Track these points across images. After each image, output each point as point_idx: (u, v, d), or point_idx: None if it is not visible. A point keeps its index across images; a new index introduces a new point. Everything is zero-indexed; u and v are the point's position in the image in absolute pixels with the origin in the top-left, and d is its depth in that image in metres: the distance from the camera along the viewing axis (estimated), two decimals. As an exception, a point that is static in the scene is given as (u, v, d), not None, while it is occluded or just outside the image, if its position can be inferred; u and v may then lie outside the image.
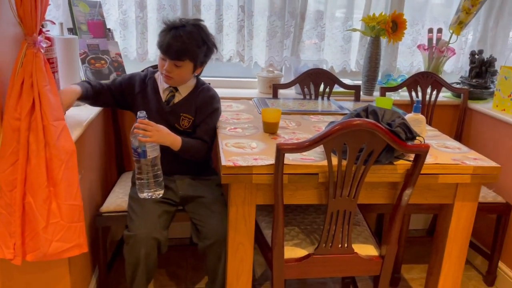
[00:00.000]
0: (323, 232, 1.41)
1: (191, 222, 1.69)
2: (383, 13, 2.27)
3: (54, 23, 1.64)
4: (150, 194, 1.61)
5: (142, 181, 1.59)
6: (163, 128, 1.57)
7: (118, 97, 1.75)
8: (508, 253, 2.07)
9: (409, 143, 1.33)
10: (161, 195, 1.62)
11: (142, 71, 1.84)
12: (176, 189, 1.72)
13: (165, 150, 1.60)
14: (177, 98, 1.72)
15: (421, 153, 1.31)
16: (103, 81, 1.82)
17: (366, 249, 1.51)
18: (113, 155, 2.12)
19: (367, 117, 1.40)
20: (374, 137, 1.26)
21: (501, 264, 2.11)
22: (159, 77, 1.77)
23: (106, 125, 2.08)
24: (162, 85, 1.74)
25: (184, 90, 1.73)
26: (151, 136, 1.51)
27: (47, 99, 1.33)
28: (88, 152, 1.76)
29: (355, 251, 1.47)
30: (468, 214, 1.50)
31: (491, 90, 2.36)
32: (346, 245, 1.45)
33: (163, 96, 1.72)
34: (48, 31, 1.59)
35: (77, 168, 1.39)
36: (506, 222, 2.02)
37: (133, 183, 1.77)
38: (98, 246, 1.80)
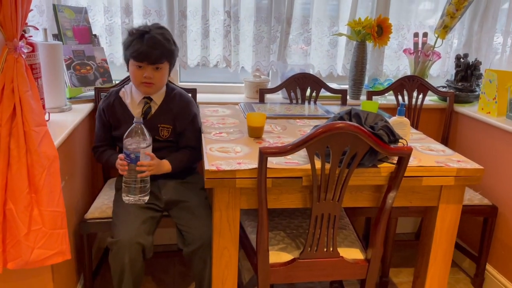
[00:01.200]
0: (308, 236, 1.41)
1: (176, 227, 1.68)
2: (368, 18, 2.28)
3: (37, 29, 1.63)
4: (135, 199, 1.60)
5: (129, 185, 1.59)
6: (159, 163, 1.64)
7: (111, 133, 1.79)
8: (495, 255, 2.08)
9: (392, 145, 1.34)
10: (146, 201, 1.61)
11: (107, 95, 1.80)
12: (160, 194, 1.71)
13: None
14: (153, 108, 1.73)
15: (404, 156, 1.31)
16: (98, 142, 1.83)
17: (352, 253, 1.51)
18: (99, 161, 2.10)
19: (350, 120, 1.40)
20: (357, 140, 1.26)
21: (488, 267, 2.11)
22: (124, 93, 1.76)
23: (92, 131, 2.06)
24: (134, 100, 1.74)
25: (158, 98, 1.74)
26: (150, 173, 1.59)
27: (28, 105, 1.32)
28: (72, 158, 1.74)
29: (341, 254, 1.47)
30: (453, 216, 1.51)
31: (477, 93, 2.38)
32: (331, 249, 1.45)
33: (139, 109, 1.73)
34: (31, 36, 1.57)
35: (59, 174, 1.38)
36: (493, 224, 2.03)
37: (117, 189, 1.75)
38: (83, 254, 1.78)
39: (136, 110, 1.73)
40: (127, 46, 1.66)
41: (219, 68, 2.35)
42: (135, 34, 1.64)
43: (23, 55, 1.35)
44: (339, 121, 1.28)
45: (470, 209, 1.98)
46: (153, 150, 1.62)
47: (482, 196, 2.06)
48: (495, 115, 2.11)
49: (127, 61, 1.69)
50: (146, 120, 1.71)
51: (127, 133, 1.55)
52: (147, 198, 1.63)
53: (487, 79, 2.14)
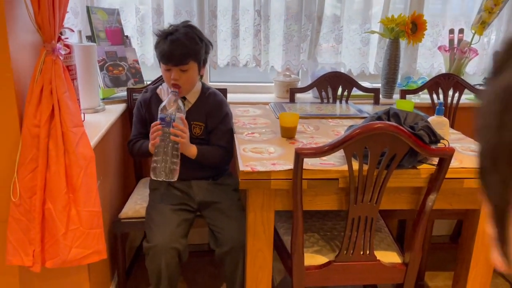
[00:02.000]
0: (344, 239, 1.38)
1: (209, 228, 1.68)
2: (402, 15, 2.23)
3: (73, 31, 1.66)
4: (163, 177, 1.56)
5: (159, 158, 1.56)
6: (189, 141, 1.61)
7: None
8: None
9: (433, 146, 1.29)
10: (173, 180, 1.57)
11: (146, 91, 1.82)
12: (193, 194, 1.71)
13: (185, 160, 1.62)
14: (187, 106, 1.72)
15: (445, 157, 1.26)
16: (134, 136, 1.81)
17: (389, 256, 1.47)
18: (131, 160, 2.12)
19: (388, 120, 1.36)
20: (397, 141, 1.23)
21: (530, 272, 2.03)
22: (161, 90, 1.77)
23: (124, 132, 2.08)
24: None
25: (192, 97, 1.73)
26: (182, 140, 1.55)
27: (66, 106, 1.34)
28: (106, 158, 1.76)
29: (378, 258, 1.43)
30: (496, 220, 1.44)
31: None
32: (368, 252, 1.41)
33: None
34: (67, 38, 1.60)
35: (95, 175, 1.39)
36: (535, 228, 1.94)
37: (151, 189, 1.76)
38: (117, 252, 1.80)
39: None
40: (155, 47, 1.67)
41: (249, 68, 2.34)
42: (161, 35, 1.63)
43: (60, 57, 1.36)
44: (378, 121, 1.24)
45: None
46: None
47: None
48: (537, 114, 2.02)
49: (159, 62, 1.69)
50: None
51: (163, 103, 1.56)
52: (174, 179, 1.57)
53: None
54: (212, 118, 1.72)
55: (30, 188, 1.32)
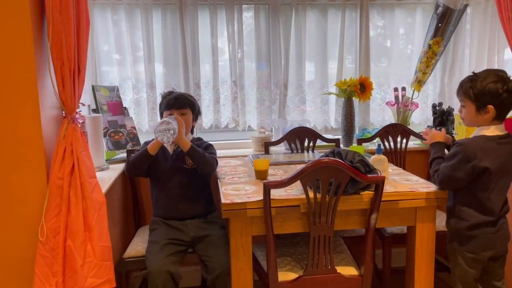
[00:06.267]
0: (309, 255, 1.71)
1: (200, 260, 1.98)
2: (352, 78, 2.71)
3: (85, 105, 2.07)
4: (162, 135, 1.92)
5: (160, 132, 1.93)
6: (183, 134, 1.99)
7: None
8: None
9: (369, 175, 1.68)
10: (165, 143, 1.93)
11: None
12: (187, 231, 2.04)
13: (181, 195, 2.04)
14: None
15: (378, 182, 1.65)
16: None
17: (348, 270, 1.79)
18: (131, 212, 2.45)
19: (334, 157, 1.76)
20: (340, 172, 1.61)
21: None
22: None
23: (124, 187, 2.44)
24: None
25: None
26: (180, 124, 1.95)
27: (83, 162, 1.70)
28: (111, 208, 2.09)
29: (338, 271, 1.75)
30: (429, 234, 1.80)
31: (453, 134, 2.73)
32: (329, 266, 1.74)
33: (171, 149, 2.10)
34: (81, 111, 2.01)
35: (106, 216, 1.73)
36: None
37: (151, 230, 2.09)
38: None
39: (170, 148, 2.08)
40: (160, 104, 2.19)
41: (229, 128, 2.76)
42: (166, 94, 2.22)
43: (78, 125, 1.76)
44: (325, 157, 1.64)
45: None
46: (181, 177, 2.09)
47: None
48: (468, 152, 2.45)
49: (161, 114, 2.17)
50: (177, 153, 2.12)
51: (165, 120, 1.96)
52: (172, 138, 1.92)
53: (457, 122, 2.51)
54: (200, 148, 2.08)
55: (54, 229, 1.64)
